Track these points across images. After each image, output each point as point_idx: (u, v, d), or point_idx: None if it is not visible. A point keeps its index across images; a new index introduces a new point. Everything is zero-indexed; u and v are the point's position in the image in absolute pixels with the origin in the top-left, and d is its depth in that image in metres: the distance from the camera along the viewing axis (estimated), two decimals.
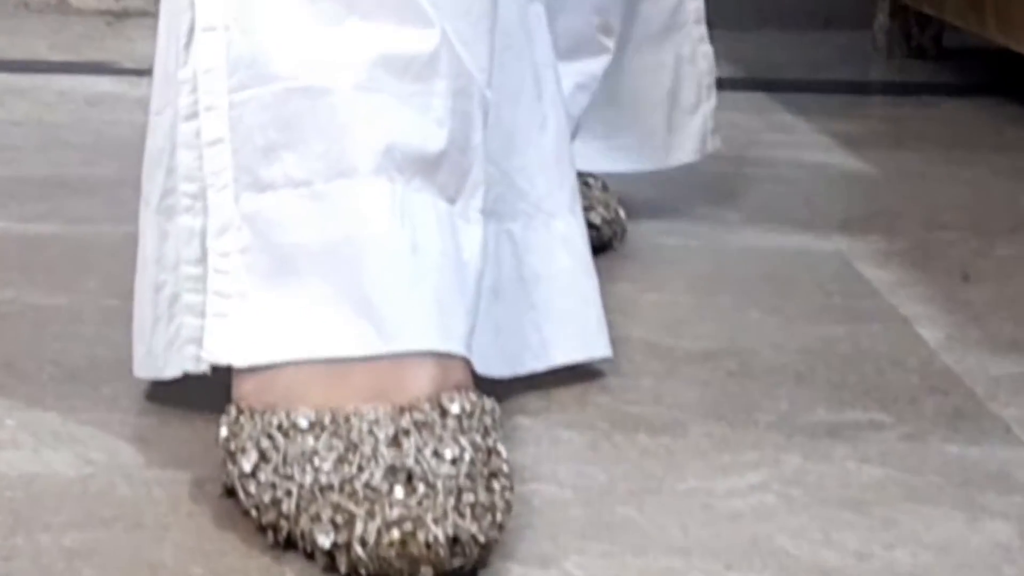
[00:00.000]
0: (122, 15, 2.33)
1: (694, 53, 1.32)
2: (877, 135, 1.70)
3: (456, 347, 0.88)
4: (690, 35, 1.32)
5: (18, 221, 1.35)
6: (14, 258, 1.24)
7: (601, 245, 1.22)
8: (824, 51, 2.17)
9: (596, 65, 1.30)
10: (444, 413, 0.83)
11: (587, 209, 1.12)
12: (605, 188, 1.32)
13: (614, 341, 1.03)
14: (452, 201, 0.91)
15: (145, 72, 1.80)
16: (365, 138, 0.88)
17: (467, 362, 0.89)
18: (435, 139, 0.90)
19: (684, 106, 1.32)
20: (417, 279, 0.88)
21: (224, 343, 0.88)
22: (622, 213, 1.31)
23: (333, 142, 0.89)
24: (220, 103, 0.90)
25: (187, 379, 0.91)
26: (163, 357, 0.92)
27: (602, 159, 1.32)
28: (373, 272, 0.88)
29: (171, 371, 0.92)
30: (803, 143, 1.66)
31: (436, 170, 0.90)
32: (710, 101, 1.32)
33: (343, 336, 0.87)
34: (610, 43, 1.30)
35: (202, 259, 0.90)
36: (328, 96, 0.89)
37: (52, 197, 1.43)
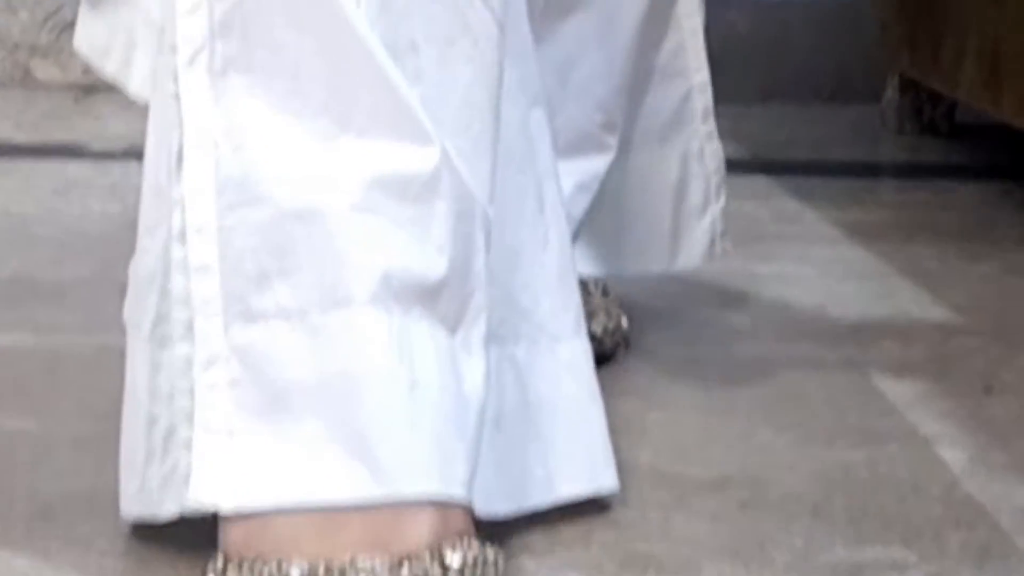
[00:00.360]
0: (90, 90, 2.31)
1: (702, 151, 1.30)
2: (888, 225, 1.69)
3: (457, 491, 0.87)
4: (697, 132, 1.31)
5: None
6: None
7: (603, 356, 1.20)
8: (831, 127, 2.18)
9: (598, 164, 1.29)
10: (445, 565, 0.83)
11: (588, 317, 1.10)
12: (606, 293, 1.31)
13: (620, 467, 1.01)
14: (453, 331, 0.90)
15: (115, 155, 1.86)
16: (361, 266, 0.88)
17: (468, 507, 0.88)
18: (435, 266, 0.89)
19: (691, 207, 1.31)
20: (416, 418, 0.87)
21: (210, 485, 0.87)
22: (624, 321, 1.30)
23: (328, 270, 0.88)
24: (209, 225, 0.90)
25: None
26: (158, 496, 0.90)
27: (605, 262, 1.31)
28: (369, 411, 0.86)
29: (167, 511, 0.89)
30: (811, 235, 1.66)
31: (436, 299, 0.89)
32: (719, 202, 1.31)
33: (337, 480, 0.86)
34: (613, 140, 1.29)
35: None
36: (322, 220, 0.88)
37: (21, 302, 1.41)
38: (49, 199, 1.75)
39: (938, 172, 1.93)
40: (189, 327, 0.88)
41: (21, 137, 2.05)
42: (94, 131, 1.99)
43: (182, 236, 0.88)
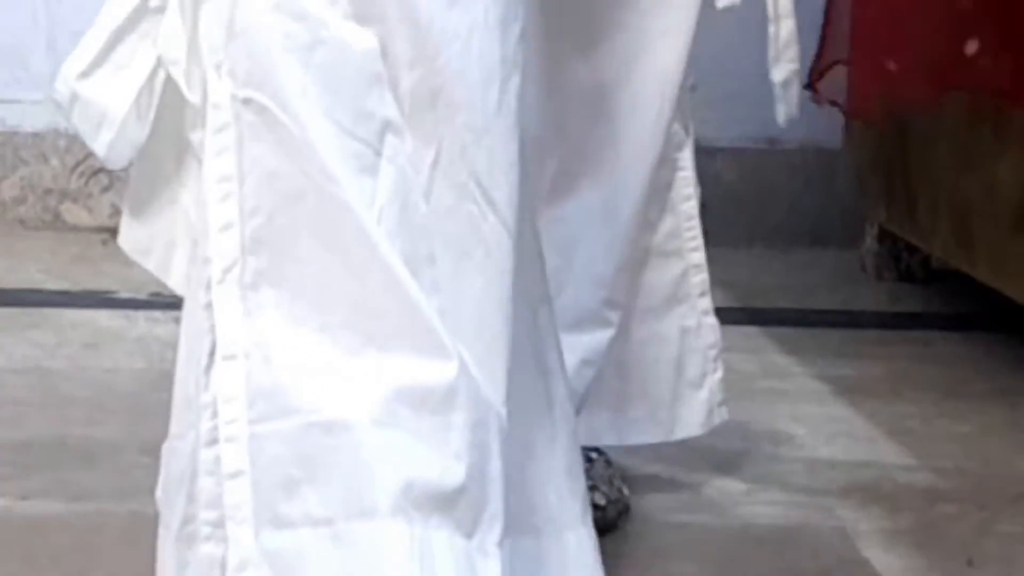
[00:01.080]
0: (117, 233, 2.28)
1: (699, 325, 1.33)
2: (873, 380, 1.69)
3: None
4: (694, 308, 1.33)
5: (21, 498, 1.30)
6: (17, 545, 1.20)
7: (606, 526, 1.20)
8: (813, 273, 2.18)
9: (601, 338, 1.30)
10: None
11: (591, 488, 1.11)
12: (608, 464, 1.31)
13: None
14: (469, 536, 0.90)
15: (141, 304, 1.88)
16: (384, 477, 0.88)
17: None
18: (453, 474, 0.90)
19: (689, 378, 1.32)
20: None
21: None
22: (625, 491, 1.30)
23: (353, 481, 0.89)
24: (241, 434, 0.91)
25: None
26: None
27: (609, 432, 1.31)
28: None
29: None
30: (799, 392, 1.66)
31: (454, 506, 0.90)
32: (716, 373, 1.33)
33: None
34: (615, 317, 1.30)
35: None
36: (347, 432, 0.89)
37: (54, 466, 1.38)
38: (80, 355, 1.72)
39: (917, 322, 1.93)
40: (214, 528, 0.89)
41: (51, 284, 2.02)
42: (121, 276, 1.95)
43: (210, 441, 0.89)
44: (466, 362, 0.90)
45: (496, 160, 0.94)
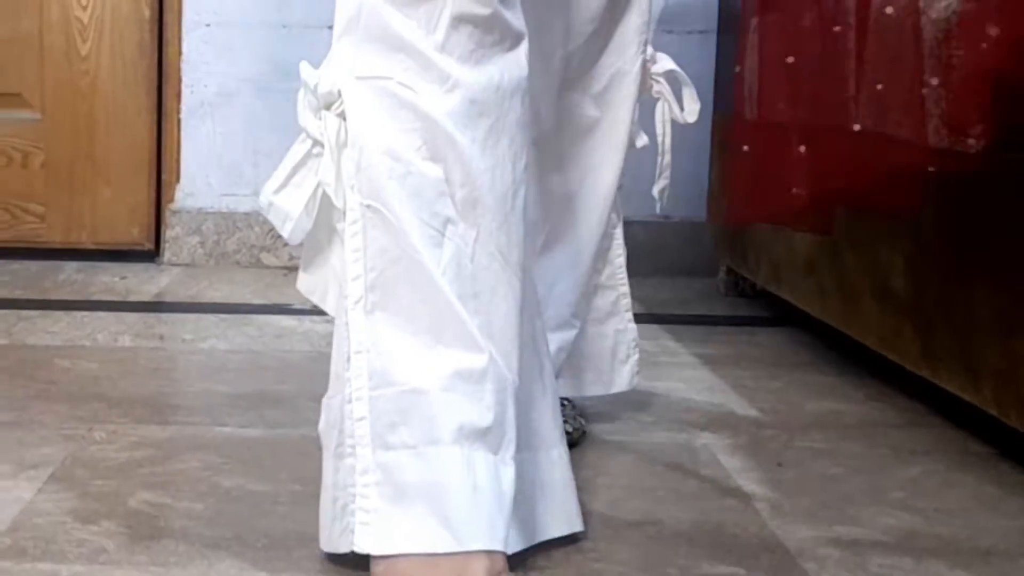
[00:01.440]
0: (293, 268, 2.27)
1: (625, 328, 1.31)
2: (725, 357, 1.65)
3: (499, 546, 0.87)
4: (623, 318, 1.31)
5: (238, 427, 1.28)
6: (236, 456, 1.18)
7: (572, 445, 1.18)
8: (689, 293, 2.13)
9: (569, 335, 1.28)
10: None
11: (564, 422, 1.08)
12: (574, 407, 1.29)
13: (583, 516, 1.00)
14: (496, 452, 0.90)
15: (307, 312, 1.86)
16: (446, 421, 0.88)
17: (505, 554, 0.87)
18: (486, 418, 0.89)
19: (620, 358, 1.30)
20: (477, 506, 0.88)
21: (366, 539, 0.88)
22: (584, 423, 1.29)
23: (429, 424, 0.88)
24: (364, 396, 0.89)
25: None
26: (338, 541, 0.90)
27: (573, 389, 1.30)
28: (452, 500, 0.87)
29: (342, 550, 0.90)
30: (682, 364, 1.62)
31: (487, 435, 0.89)
32: (635, 355, 1.31)
33: (432, 540, 0.86)
34: (577, 324, 1.28)
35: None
36: (424, 395, 0.88)
37: (257, 408, 1.35)
38: (272, 341, 1.69)
39: (749, 321, 1.90)
40: (352, 448, 0.88)
41: (255, 300, 1.99)
42: (295, 296, 1.91)
43: (349, 400, 0.89)
44: (493, 354, 0.89)
45: (511, 239, 0.93)
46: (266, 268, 2.29)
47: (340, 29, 0.94)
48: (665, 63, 1.27)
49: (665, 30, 2.27)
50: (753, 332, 1.82)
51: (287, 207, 0.95)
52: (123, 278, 2.15)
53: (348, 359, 0.89)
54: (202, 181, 2.35)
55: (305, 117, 0.95)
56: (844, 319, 1.50)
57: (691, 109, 1.27)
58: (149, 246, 2.34)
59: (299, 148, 0.96)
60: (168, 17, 2.36)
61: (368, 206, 0.90)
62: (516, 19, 0.95)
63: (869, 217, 1.40)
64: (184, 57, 2.36)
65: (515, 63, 0.95)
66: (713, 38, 2.19)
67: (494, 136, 0.93)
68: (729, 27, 2.05)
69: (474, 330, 0.89)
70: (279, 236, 2.35)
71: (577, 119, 1.24)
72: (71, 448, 1.17)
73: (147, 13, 2.35)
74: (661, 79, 1.27)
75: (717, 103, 2.07)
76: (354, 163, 0.91)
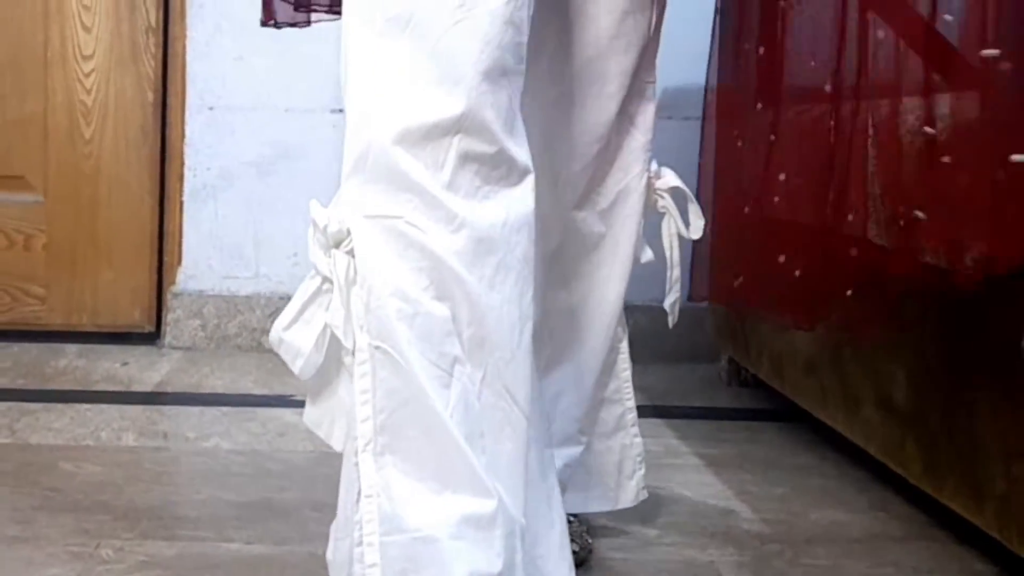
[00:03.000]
0: None
1: (632, 443, 1.31)
2: (729, 458, 1.65)
3: None
4: (629, 433, 1.31)
5: (244, 543, 1.27)
6: None
7: (579, 563, 1.17)
8: (692, 380, 2.13)
9: (576, 451, 1.29)
10: None
11: (571, 539, 1.08)
12: (581, 523, 1.29)
13: None
14: None
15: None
16: (457, 570, 0.88)
17: None
18: (495, 564, 0.89)
19: (626, 474, 1.31)
20: None
21: None
22: (590, 540, 1.29)
23: (440, 571, 0.88)
24: (375, 541, 0.89)
25: None
26: None
27: (580, 505, 1.30)
28: None
29: None
30: (687, 466, 1.62)
31: None
32: (640, 470, 1.31)
33: None
34: (584, 439, 1.29)
35: None
36: (435, 543, 0.88)
37: (263, 519, 1.34)
38: (275, 440, 1.67)
39: (751, 415, 1.89)
40: None
41: (257, 390, 1.97)
42: (297, 386, 1.90)
43: (359, 543, 0.88)
44: (502, 496, 0.89)
45: (518, 376, 0.94)
46: (267, 352, 2.29)
47: (349, 168, 0.96)
48: (669, 179, 1.29)
49: (664, 117, 2.30)
50: (756, 428, 1.82)
51: (298, 344, 0.96)
52: (125, 364, 2.16)
53: (358, 501, 0.89)
54: (204, 263, 2.37)
55: (315, 254, 0.97)
56: (846, 424, 1.51)
57: (696, 225, 1.29)
58: (150, 328, 2.36)
59: (309, 284, 0.97)
60: (172, 100, 2.40)
61: (377, 347, 0.91)
62: (522, 152, 0.97)
63: (870, 326, 1.42)
64: (187, 140, 2.39)
65: (521, 198, 0.96)
66: (712, 124, 2.22)
67: (501, 273, 0.94)
68: (726, 112, 2.08)
69: (482, 472, 0.89)
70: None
71: (584, 236, 1.26)
72: (79, 568, 1.18)
73: (151, 96, 2.39)
74: (666, 195, 1.29)
75: (715, 189, 2.09)
76: (363, 303, 0.92)
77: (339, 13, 1.17)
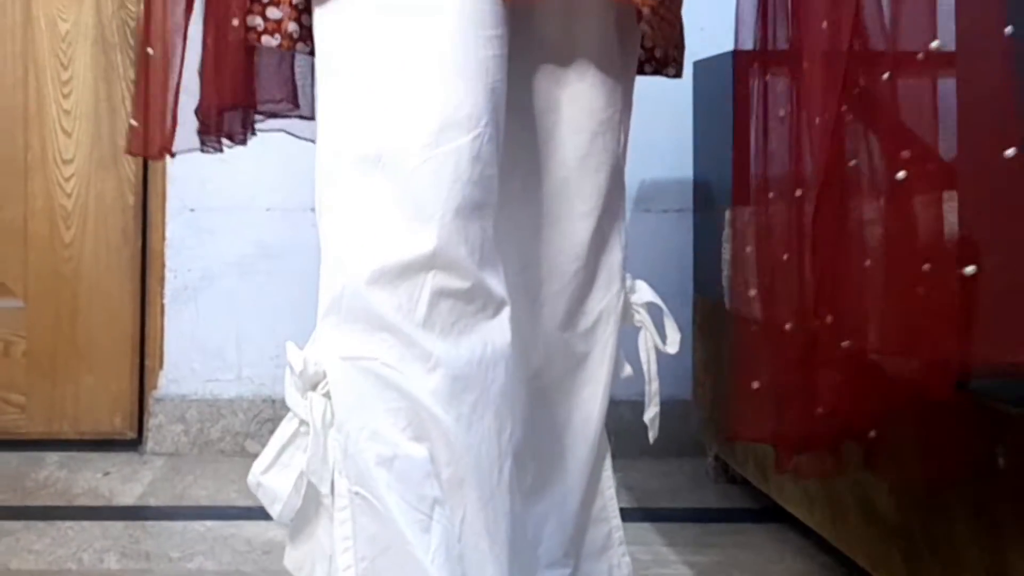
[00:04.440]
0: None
1: (620, 563, 1.31)
2: (717, 565, 1.64)
3: None
4: (617, 552, 1.31)
5: None
6: None
7: None
8: (679, 478, 2.12)
9: (564, 574, 1.26)
10: None
11: None
12: None
13: None
14: None
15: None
16: None
17: None
18: None
19: None
20: None
21: None
22: None
23: None
24: None
25: None
26: None
27: None
28: None
29: None
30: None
31: None
32: None
33: None
34: (571, 562, 1.28)
35: None
36: None
37: None
38: (260, 558, 1.64)
39: (740, 516, 1.88)
40: None
41: (240, 501, 1.94)
42: None
43: None
44: None
45: (499, 512, 0.95)
46: (250, 456, 2.26)
47: (324, 308, 0.98)
48: (644, 294, 1.31)
49: (642, 209, 2.33)
50: (745, 531, 1.81)
51: (276, 487, 0.97)
52: (106, 474, 2.15)
53: None
54: (185, 366, 2.38)
55: (291, 397, 0.98)
56: (831, 531, 1.52)
57: (673, 339, 1.30)
58: (132, 435, 2.36)
59: (287, 427, 0.98)
60: (152, 203, 2.43)
61: (356, 493, 0.93)
62: (498, 284, 0.99)
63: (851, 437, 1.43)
64: (168, 242, 2.41)
65: (499, 330, 0.98)
66: (689, 217, 2.25)
67: (479, 411, 0.95)
68: (705, 206, 2.11)
69: None
70: (263, 423, 2.40)
71: (567, 356, 1.27)
72: None
73: (131, 200, 2.41)
74: (642, 309, 1.30)
75: (696, 284, 2.11)
76: (341, 447, 0.93)
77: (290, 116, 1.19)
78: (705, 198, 2.11)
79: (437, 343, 0.93)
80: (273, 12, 1.02)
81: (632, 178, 2.22)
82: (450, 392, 0.94)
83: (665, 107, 2.18)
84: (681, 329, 1.96)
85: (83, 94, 2.39)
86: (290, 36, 1.03)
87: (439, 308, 0.94)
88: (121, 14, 2.40)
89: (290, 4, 1.02)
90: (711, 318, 2.01)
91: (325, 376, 0.96)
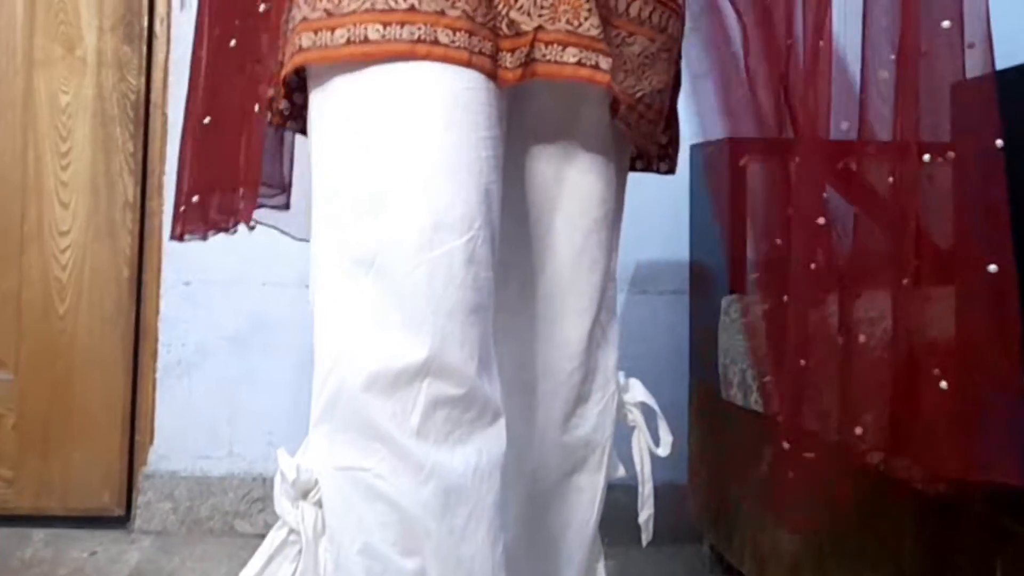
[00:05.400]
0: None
1: None
2: None
3: None
4: None
5: None
6: None
7: None
8: (675, 567, 2.07)
9: None
10: None
11: None
12: None
13: None
14: None
15: None
16: None
17: None
18: None
19: None
20: None
21: None
22: None
23: None
24: None
25: None
26: None
27: None
28: None
29: None
30: None
31: None
32: None
33: None
34: None
35: None
36: None
37: None
38: None
39: None
40: None
41: None
42: None
43: None
44: None
45: None
46: (239, 536, 2.26)
47: (317, 415, 0.97)
48: (637, 393, 1.30)
49: (638, 291, 2.33)
50: None
51: None
52: (93, 553, 2.12)
53: None
54: (176, 442, 2.36)
55: (282, 505, 0.96)
56: None
57: (665, 441, 1.29)
58: (120, 512, 2.34)
59: (276, 535, 0.97)
60: (147, 276, 2.42)
61: None
62: (495, 391, 0.98)
63: (853, 534, 1.41)
64: (162, 315, 2.40)
65: (495, 437, 0.97)
66: (685, 299, 2.24)
67: (472, 523, 0.94)
68: (701, 290, 2.10)
69: None
70: (253, 501, 2.37)
71: (563, 460, 1.26)
72: None
73: (126, 272, 2.40)
74: (634, 408, 1.29)
75: (692, 367, 2.09)
76: (333, 559, 0.92)
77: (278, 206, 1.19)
78: (701, 281, 2.11)
79: (431, 453, 0.93)
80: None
81: (629, 259, 2.20)
82: (443, 504, 0.93)
83: (662, 188, 2.19)
84: (677, 412, 1.95)
85: (81, 166, 2.40)
86: (281, 113, 1.04)
87: (434, 418, 0.93)
88: (121, 87, 2.41)
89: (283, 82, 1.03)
90: (707, 403, 2.00)
91: (317, 484, 0.94)
